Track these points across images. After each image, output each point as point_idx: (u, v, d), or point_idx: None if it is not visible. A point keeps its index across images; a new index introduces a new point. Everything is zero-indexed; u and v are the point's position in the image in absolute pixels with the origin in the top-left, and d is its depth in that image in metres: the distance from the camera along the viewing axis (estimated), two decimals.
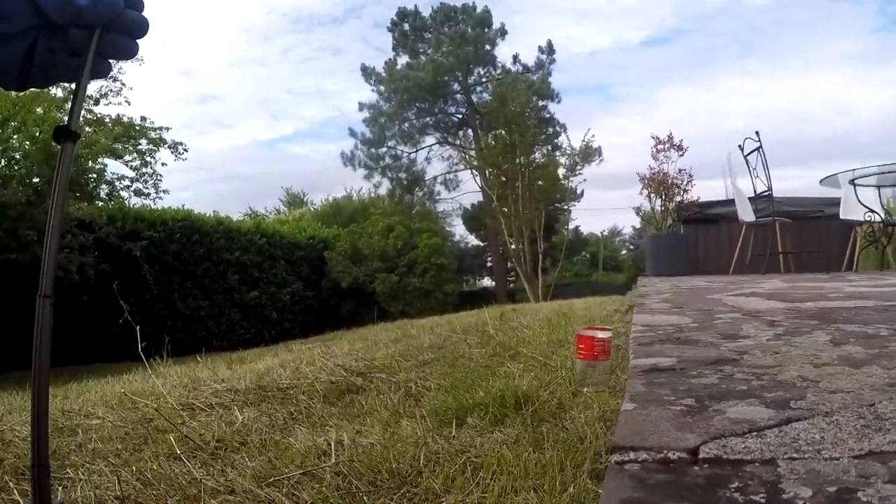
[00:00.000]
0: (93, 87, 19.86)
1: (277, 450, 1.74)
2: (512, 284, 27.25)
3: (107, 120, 20.34)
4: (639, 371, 1.40)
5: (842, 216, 7.07)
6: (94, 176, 20.29)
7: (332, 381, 2.61)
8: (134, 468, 1.65)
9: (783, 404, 1.06)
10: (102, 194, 20.53)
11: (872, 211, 6.16)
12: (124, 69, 20.12)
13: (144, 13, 0.80)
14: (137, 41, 0.81)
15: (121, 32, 0.78)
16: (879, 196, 6.64)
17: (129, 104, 20.72)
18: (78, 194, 16.57)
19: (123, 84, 20.44)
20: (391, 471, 1.45)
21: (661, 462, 0.84)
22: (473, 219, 29.37)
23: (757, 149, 6.56)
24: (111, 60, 0.81)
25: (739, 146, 6.83)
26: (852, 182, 6.22)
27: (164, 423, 2.12)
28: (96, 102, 20.18)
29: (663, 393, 1.19)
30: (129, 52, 0.82)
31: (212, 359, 4.76)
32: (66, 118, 0.83)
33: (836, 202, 7.71)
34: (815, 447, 0.85)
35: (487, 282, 32.62)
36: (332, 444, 1.67)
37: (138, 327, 3.09)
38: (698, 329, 1.98)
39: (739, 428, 0.94)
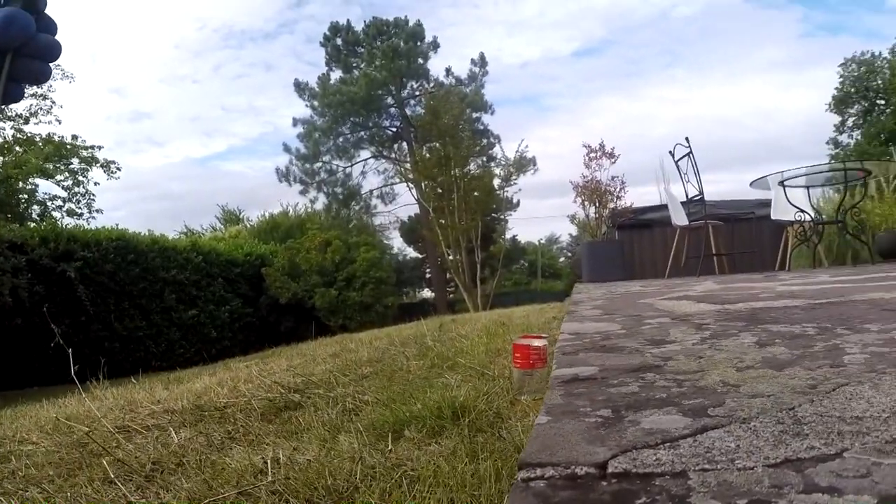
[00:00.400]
0: (22, 106, 19.20)
1: (214, 470, 1.71)
2: (452, 295, 27.31)
3: (37, 139, 19.64)
4: (559, 382, 1.34)
5: (773, 217, 7.28)
6: (26, 196, 19.58)
7: (269, 398, 2.60)
8: (68, 494, 1.64)
9: (700, 412, 1.02)
10: (34, 215, 19.81)
11: (802, 211, 6.30)
12: (54, 87, 19.56)
13: (58, 37, 0.79)
14: (50, 65, 0.80)
15: (33, 57, 0.77)
16: (809, 196, 6.86)
17: (60, 123, 20.18)
18: (9, 215, 15.91)
19: (53, 102, 19.84)
20: (327, 487, 1.44)
21: (568, 478, 0.79)
22: (411, 231, 29.41)
23: (687, 154, 6.67)
24: (24, 85, 0.80)
25: (670, 152, 6.95)
26: (782, 183, 6.35)
27: (99, 447, 2.08)
28: (26, 121, 19.52)
29: (580, 404, 1.14)
30: (42, 77, 0.80)
31: (150, 379, 4.82)
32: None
33: (766, 203, 7.95)
34: (728, 457, 0.80)
35: (427, 293, 32.73)
36: (269, 462, 1.66)
37: (70, 350, 3.02)
38: (626, 335, 1.94)
39: (652, 439, 0.90)
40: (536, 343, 1.86)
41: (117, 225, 15.99)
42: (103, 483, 1.71)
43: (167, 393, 3.23)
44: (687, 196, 6.88)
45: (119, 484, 1.67)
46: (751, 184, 7.06)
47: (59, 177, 20.48)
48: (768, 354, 1.47)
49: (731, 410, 1.01)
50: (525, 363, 1.90)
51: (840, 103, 34.74)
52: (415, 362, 3.14)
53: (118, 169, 21.15)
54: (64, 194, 20.45)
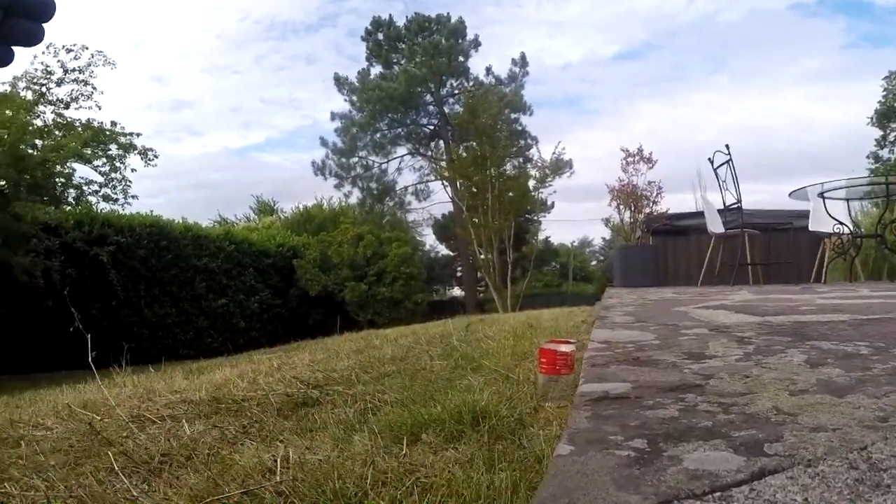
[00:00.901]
0: (64, 91, 19.52)
1: (223, 465, 1.68)
2: (482, 294, 27.14)
3: (76, 124, 19.91)
4: (586, 400, 1.18)
5: (811, 228, 7.09)
6: (63, 180, 19.85)
7: (287, 393, 2.56)
8: (71, 483, 1.61)
9: (755, 448, 0.86)
10: (70, 199, 20.08)
11: (841, 223, 6.14)
12: (95, 73, 19.80)
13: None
14: (43, 25, 0.74)
15: (24, 16, 0.71)
16: (848, 209, 6.66)
17: (100, 108, 20.35)
18: (46, 198, 16.15)
19: (94, 88, 20.05)
20: (335, 491, 1.37)
21: None
22: (444, 229, 29.27)
23: (726, 162, 6.53)
24: (14, 48, 0.74)
25: (709, 159, 6.81)
26: (821, 195, 6.20)
27: (113, 436, 2.06)
28: (67, 106, 19.79)
29: (610, 431, 0.98)
30: (35, 38, 0.74)
31: (173, 368, 4.82)
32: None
33: (804, 214, 7.72)
34: None
35: (457, 291, 32.58)
36: (279, 461, 1.61)
37: (95, 336, 2.93)
38: (661, 347, 1.78)
39: (699, 486, 0.73)
40: (563, 348, 1.79)
41: (151, 211, 16.12)
42: (109, 474, 1.66)
43: (187, 383, 3.19)
44: (724, 204, 6.75)
45: (123, 477, 1.62)
46: (790, 194, 6.90)
47: (96, 162, 20.70)
48: (823, 376, 1.30)
49: (792, 448, 0.85)
50: (551, 369, 1.83)
51: (883, 117, 33.58)
52: (438, 362, 3.07)
53: (155, 157, 21.26)
54: (100, 179, 20.64)
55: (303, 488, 1.41)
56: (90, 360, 2.89)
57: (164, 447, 1.89)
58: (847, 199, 6.57)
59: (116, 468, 1.68)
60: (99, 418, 2.38)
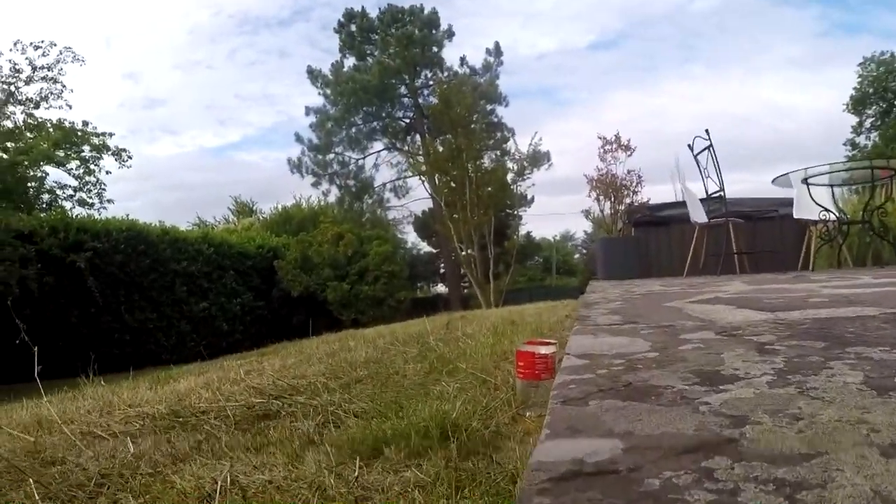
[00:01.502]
0: (33, 90, 18.88)
1: (162, 487, 1.60)
2: (465, 290, 26.98)
3: (48, 124, 19.30)
4: (545, 479, 0.67)
5: (795, 216, 6.93)
6: (34, 185, 19.26)
7: (248, 404, 2.47)
8: None
9: None
10: (43, 204, 19.53)
11: (827, 210, 5.98)
12: (64, 70, 19.15)
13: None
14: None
15: None
16: (833, 195, 6.52)
17: (71, 108, 19.83)
18: (21, 205, 15.78)
19: (64, 86, 19.44)
20: None
21: None
22: (425, 225, 29.09)
23: (707, 147, 6.34)
24: None
25: (689, 145, 6.64)
26: (805, 181, 6.01)
27: (60, 454, 1.98)
28: (36, 105, 19.18)
29: None
30: None
31: (147, 376, 4.72)
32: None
33: (788, 202, 7.62)
34: None
35: (441, 288, 32.53)
36: (219, 484, 1.53)
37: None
38: (660, 363, 1.33)
39: None
40: (543, 350, 1.68)
41: (128, 215, 16.08)
42: (44, 499, 1.59)
43: (150, 394, 3.10)
44: (706, 193, 6.62)
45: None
46: (773, 181, 6.79)
47: (70, 165, 20.20)
48: None
49: None
50: (530, 373, 1.70)
51: (858, 104, 33.86)
52: (412, 366, 2.97)
53: (130, 157, 20.85)
54: (74, 183, 20.15)
55: None
56: (36, 374, 3.08)
57: (107, 467, 1.80)
58: (831, 186, 6.42)
59: (37, 496, 1.58)
60: (50, 435, 2.30)
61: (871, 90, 33.05)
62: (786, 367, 1.19)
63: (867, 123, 34.29)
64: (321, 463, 1.61)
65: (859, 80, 33.45)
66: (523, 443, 1.54)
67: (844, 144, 34.94)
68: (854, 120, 34.46)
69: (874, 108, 33.64)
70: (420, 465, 1.53)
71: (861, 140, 34.39)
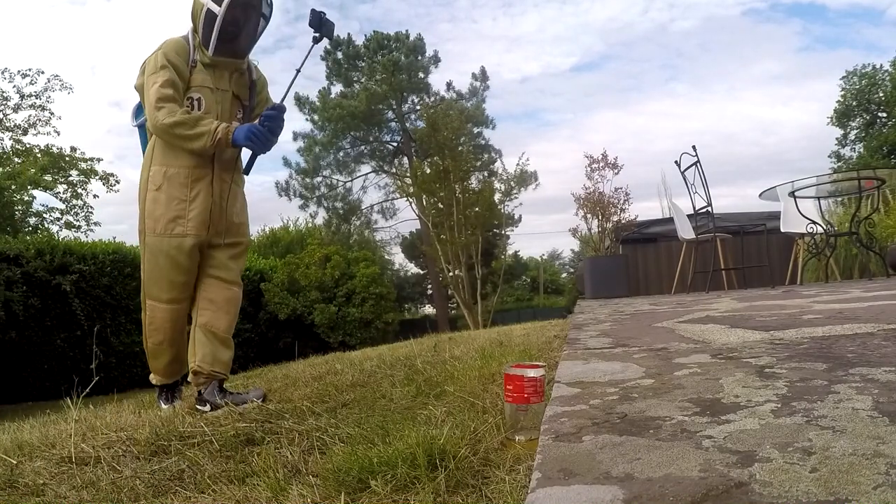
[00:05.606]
0: (21, 117, 18.89)
1: None
2: (453, 311, 26.87)
3: (36, 150, 19.32)
4: None
5: (783, 229, 6.98)
6: (21, 208, 19.21)
7: (234, 429, 2.37)
8: None
9: None
10: (29, 227, 19.48)
11: (814, 222, 6.01)
12: (52, 98, 19.21)
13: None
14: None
15: None
16: (819, 208, 6.55)
17: (59, 134, 19.87)
18: (9, 228, 15.68)
19: (52, 114, 19.52)
20: None
21: None
22: (412, 247, 29.05)
23: (694, 164, 6.35)
24: None
25: (676, 162, 6.65)
26: (792, 194, 6.02)
27: (37, 481, 1.90)
28: (24, 132, 19.18)
29: None
30: None
31: (132, 398, 4.60)
32: None
33: (775, 216, 7.66)
34: None
35: (429, 309, 32.41)
36: None
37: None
38: (656, 390, 1.26)
39: None
40: (531, 373, 1.61)
41: (115, 238, 16.03)
42: None
43: (134, 417, 3.04)
44: (694, 209, 6.59)
45: None
46: (760, 195, 6.82)
47: (57, 189, 20.18)
48: None
49: None
50: (518, 397, 1.63)
51: (842, 116, 34.38)
52: (400, 389, 2.89)
53: (117, 182, 20.80)
54: (62, 206, 20.11)
55: None
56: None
57: (86, 498, 1.71)
58: (818, 198, 6.45)
59: None
60: (31, 461, 2.21)
61: (854, 103, 33.57)
62: (789, 392, 1.12)
63: (852, 135, 34.79)
64: (306, 497, 1.54)
65: (843, 93, 33.99)
66: (513, 471, 1.46)
67: (829, 157, 35.46)
68: (839, 132, 34.97)
69: (858, 119, 34.16)
70: (408, 498, 1.46)
71: (846, 152, 34.88)
